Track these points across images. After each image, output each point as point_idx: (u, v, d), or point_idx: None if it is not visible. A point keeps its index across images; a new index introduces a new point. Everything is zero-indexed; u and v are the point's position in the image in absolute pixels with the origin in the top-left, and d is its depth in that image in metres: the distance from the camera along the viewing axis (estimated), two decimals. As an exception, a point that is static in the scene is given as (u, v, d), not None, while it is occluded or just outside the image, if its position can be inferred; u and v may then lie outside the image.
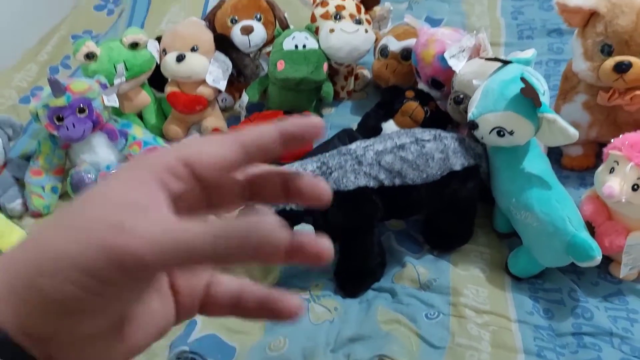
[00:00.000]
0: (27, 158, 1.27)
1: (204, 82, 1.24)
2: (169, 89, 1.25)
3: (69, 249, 0.24)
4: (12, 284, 0.24)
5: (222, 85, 1.25)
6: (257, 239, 0.24)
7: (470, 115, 0.89)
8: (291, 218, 0.88)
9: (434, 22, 1.48)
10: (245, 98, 1.26)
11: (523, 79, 0.82)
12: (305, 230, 0.88)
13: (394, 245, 1.00)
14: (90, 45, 1.16)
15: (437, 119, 1.08)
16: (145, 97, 1.26)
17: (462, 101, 1.00)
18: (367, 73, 1.36)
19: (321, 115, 1.31)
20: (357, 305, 0.93)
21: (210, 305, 0.31)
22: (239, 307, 0.30)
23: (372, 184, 0.88)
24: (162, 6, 1.63)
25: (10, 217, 1.13)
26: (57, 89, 1.08)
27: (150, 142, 1.19)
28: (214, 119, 1.29)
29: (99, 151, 1.17)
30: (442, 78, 1.09)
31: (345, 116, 1.30)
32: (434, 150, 0.89)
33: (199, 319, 0.90)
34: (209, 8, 1.57)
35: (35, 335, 0.25)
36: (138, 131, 1.20)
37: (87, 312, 0.25)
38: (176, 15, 1.58)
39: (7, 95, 1.48)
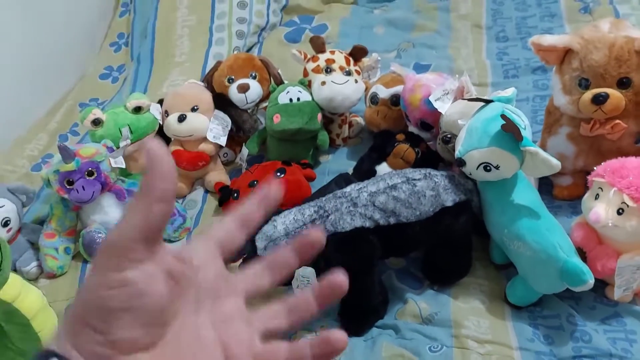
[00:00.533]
0: (40, 222, 1.32)
1: (205, 139, 1.31)
2: (172, 147, 1.32)
3: None
4: None
5: (223, 140, 1.31)
6: None
7: (457, 153, 0.93)
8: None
9: (422, 68, 1.55)
10: (245, 151, 1.32)
11: (503, 116, 0.87)
12: (307, 272, 0.91)
13: (395, 282, 1.04)
14: (96, 112, 1.23)
15: (428, 159, 1.13)
16: (150, 157, 1.32)
17: (449, 140, 1.05)
18: (360, 120, 1.42)
19: (319, 163, 1.36)
20: (363, 343, 0.96)
21: None
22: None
23: (368, 224, 0.92)
24: (163, 71, 1.71)
25: (27, 279, 1.17)
26: (67, 155, 1.14)
27: (156, 199, 1.24)
28: (216, 173, 1.34)
29: (109, 211, 1.22)
30: (430, 120, 1.14)
31: (341, 162, 1.35)
32: (425, 188, 0.94)
33: None
34: (208, 69, 1.66)
35: None
36: (145, 190, 1.25)
37: None
38: (176, 78, 1.66)
39: (19, 164, 1.55)
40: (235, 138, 1.38)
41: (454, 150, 1.04)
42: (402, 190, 0.93)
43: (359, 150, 1.37)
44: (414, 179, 0.95)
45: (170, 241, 1.23)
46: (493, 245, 1.02)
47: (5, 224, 1.17)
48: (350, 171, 1.26)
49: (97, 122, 1.23)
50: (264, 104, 1.38)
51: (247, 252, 0.96)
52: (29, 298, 0.90)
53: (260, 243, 0.93)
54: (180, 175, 1.34)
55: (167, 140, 1.35)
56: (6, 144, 1.63)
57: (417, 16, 1.78)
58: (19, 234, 1.23)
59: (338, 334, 0.34)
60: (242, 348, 0.34)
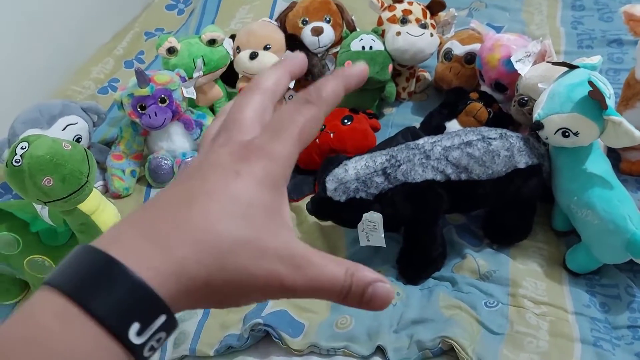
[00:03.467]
0: (106, 144, 1.37)
1: (274, 78, 1.31)
2: (240, 84, 1.33)
3: (256, 280, 0.28)
4: (188, 287, 0.27)
5: (291, 83, 1.32)
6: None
7: (536, 116, 0.93)
8: (360, 206, 0.94)
9: (494, 30, 1.52)
10: (312, 95, 1.32)
11: (591, 83, 0.86)
12: (374, 217, 0.94)
13: (454, 238, 1.05)
14: (172, 41, 1.24)
15: (500, 120, 1.13)
16: (218, 92, 1.34)
17: (526, 103, 1.04)
18: (428, 75, 1.41)
19: (383, 114, 1.36)
20: (419, 292, 0.98)
21: None
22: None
23: (439, 177, 0.93)
24: (232, 7, 1.71)
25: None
26: (142, 79, 1.17)
27: (222, 133, 1.27)
28: (280, 114, 1.36)
29: (176, 139, 1.26)
30: (506, 81, 1.13)
31: (405, 116, 1.35)
32: (500, 148, 0.94)
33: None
34: (277, 9, 1.66)
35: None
36: (212, 122, 1.28)
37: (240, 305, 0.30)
38: (245, 16, 1.66)
39: (86, 85, 1.58)
40: (302, 82, 1.38)
41: (529, 114, 1.04)
42: (477, 147, 0.94)
43: (424, 106, 1.38)
44: (490, 138, 0.95)
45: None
46: (557, 211, 1.02)
47: (77, 141, 1.21)
48: (417, 126, 1.27)
49: (171, 51, 1.25)
50: (334, 50, 1.37)
51: (317, 192, 0.99)
52: (105, 213, 0.94)
53: (330, 184, 0.95)
54: (245, 113, 1.36)
55: (234, 76, 1.37)
56: (73, 66, 1.67)
57: (490, -25, 1.74)
58: (88, 152, 1.27)
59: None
60: None
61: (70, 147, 0.83)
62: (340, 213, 0.96)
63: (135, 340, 0.26)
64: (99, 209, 0.94)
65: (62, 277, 0.26)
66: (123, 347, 0.25)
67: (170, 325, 0.27)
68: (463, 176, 0.94)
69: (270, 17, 1.64)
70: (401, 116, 1.35)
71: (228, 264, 0.28)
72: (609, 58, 1.38)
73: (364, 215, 0.94)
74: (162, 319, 0.26)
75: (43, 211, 0.94)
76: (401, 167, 0.94)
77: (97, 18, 1.76)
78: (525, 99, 1.04)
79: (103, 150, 1.30)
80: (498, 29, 1.53)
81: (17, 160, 0.80)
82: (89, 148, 1.26)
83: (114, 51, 1.70)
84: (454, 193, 0.95)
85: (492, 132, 0.96)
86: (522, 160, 0.94)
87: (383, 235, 0.95)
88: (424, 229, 0.98)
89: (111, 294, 0.25)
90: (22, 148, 0.81)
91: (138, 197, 1.26)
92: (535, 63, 1.07)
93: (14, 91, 1.49)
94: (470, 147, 0.94)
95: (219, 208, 0.28)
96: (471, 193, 0.95)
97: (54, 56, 1.61)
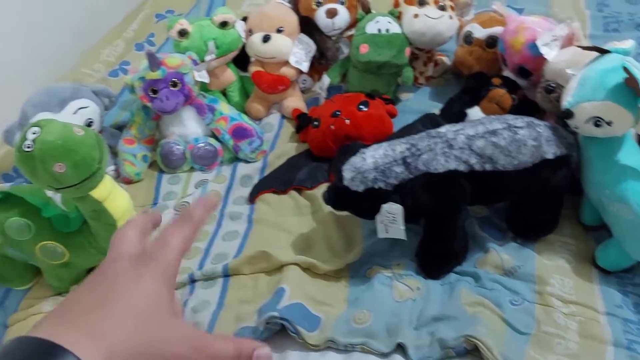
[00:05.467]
0: (117, 128, 1.33)
1: (287, 62, 1.27)
2: (253, 68, 1.29)
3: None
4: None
5: (305, 66, 1.28)
6: None
7: (565, 104, 0.88)
8: (379, 196, 0.90)
9: (514, 12, 1.46)
10: (326, 80, 1.28)
11: (625, 69, 0.82)
12: (394, 208, 0.90)
13: (477, 231, 1.01)
14: (183, 23, 1.20)
15: (524, 107, 1.08)
16: (230, 75, 1.30)
17: (553, 90, 0.99)
18: (446, 59, 1.36)
19: (399, 100, 1.32)
20: (440, 287, 0.94)
21: None
22: None
23: (462, 167, 0.89)
24: (244, -12, 1.67)
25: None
26: (154, 62, 1.13)
27: (235, 118, 1.23)
28: (294, 99, 1.32)
29: (188, 124, 1.22)
30: (531, 66, 1.09)
31: (423, 102, 1.31)
32: (527, 137, 0.89)
33: (288, 287, 0.93)
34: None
35: None
36: (224, 107, 1.24)
37: None
38: (257, -4, 1.61)
39: (96, 68, 1.55)
40: (316, 65, 1.34)
41: (557, 101, 0.99)
42: (503, 136, 0.89)
43: (442, 91, 1.33)
44: (516, 127, 0.91)
45: (246, 162, 1.23)
46: (585, 204, 0.98)
47: (88, 125, 1.18)
48: (435, 112, 1.23)
49: (183, 33, 1.21)
50: (348, 32, 1.33)
51: (334, 181, 0.95)
52: (117, 199, 0.91)
53: (347, 174, 0.91)
54: (258, 98, 1.32)
55: (246, 60, 1.33)
56: (84, 47, 1.63)
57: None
58: (99, 137, 1.23)
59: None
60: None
61: (82, 133, 0.80)
62: (357, 203, 0.92)
63: None
64: (111, 195, 0.91)
65: None
66: None
67: None
68: (487, 166, 0.89)
69: (284, -1, 1.60)
70: (419, 102, 1.31)
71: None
72: (638, 42, 1.31)
73: (383, 206, 0.90)
74: None
75: (56, 196, 0.92)
76: (422, 157, 0.90)
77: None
78: (553, 85, 1.00)
79: (115, 134, 1.27)
80: (518, 11, 1.48)
81: (29, 145, 0.77)
82: (100, 132, 1.23)
83: (124, 33, 1.66)
84: (478, 184, 0.91)
85: (519, 121, 0.92)
86: (550, 151, 0.90)
87: (403, 228, 0.91)
88: (445, 221, 0.95)
89: None
90: (33, 133, 0.78)
91: (149, 182, 1.23)
92: (562, 47, 1.02)
93: (24, 72, 1.46)
94: (495, 136, 0.90)
95: (130, 310, 0.35)
96: (496, 184, 0.91)
97: (64, 37, 1.58)
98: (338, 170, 0.93)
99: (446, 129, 0.93)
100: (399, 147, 0.92)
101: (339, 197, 0.94)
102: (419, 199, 0.90)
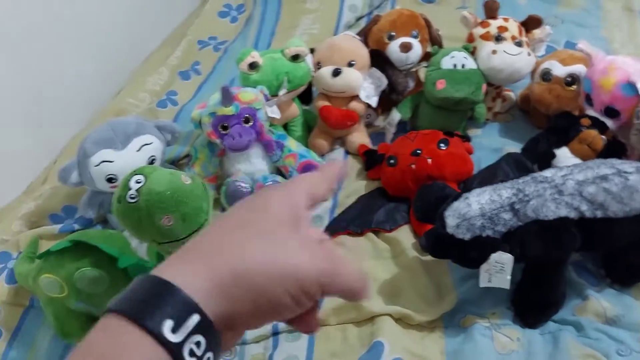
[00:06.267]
0: (171, 162, 1.28)
1: (355, 97, 1.23)
2: (320, 102, 1.25)
3: (298, 269, 0.33)
4: (226, 285, 0.32)
5: (374, 101, 1.24)
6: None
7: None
8: (487, 245, 0.86)
9: (574, 47, 1.44)
10: (396, 115, 1.25)
11: None
12: (504, 258, 0.85)
13: (572, 276, 0.97)
14: (255, 55, 1.16)
15: (615, 149, 1.05)
16: (295, 109, 1.26)
17: (654, 133, 0.96)
18: (513, 95, 1.33)
19: (468, 136, 1.28)
20: (540, 337, 0.90)
21: None
22: None
23: (572, 214, 0.85)
24: (292, 16, 1.63)
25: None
26: (228, 98, 1.08)
27: (304, 154, 1.19)
28: (359, 134, 1.28)
29: (255, 161, 1.17)
30: (620, 106, 1.06)
31: (492, 138, 1.27)
32: (638, 183, 0.86)
33: (386, 341, 0.88)
34: (343, 19, 1.59)
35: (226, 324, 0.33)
36: (292, 144, 1.20)
37: (282, 316, 0.35)
38: (310, 26, 1.58)
39: (142, 98, 1.49)
40: (385, 99, 1.30)
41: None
42: (614, 182, 0.86)
43: (510, 127, 1.30)
44: (626, 172, 0.87)
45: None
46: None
47: (151, 163, 1.13)
48: (508, 150, 1.19)
49: (254, 66, 1.16)
50: (417, 66, 1.30)
51: (435, 228, 0.91)
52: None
53: (451, 220, 0.87)
54: (323, 133, 1.27)
55: (308, 92, 1.29)
56: (124, 73, 1.58)
57: (562, -10, 1.67)
58: (159, 173, 1.18)
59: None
60: None
61: (189, 182, 0.75)
62: (463, 252, 0.88)
63: (171, 337, 0.29)
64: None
65: (117, 301, 0.31)
66: (161, 345, 0.29)
67: (206, 329, 0.31)
68: (598, 213, 0.86)
69: (337, 29, 1.56)
70: (488, 138, 1.27)
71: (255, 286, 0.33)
72: None
73: (492, 255, 0.85)
74: (195, 318, 0.30)
75: (140, 246, 0.85)
76: (531, 203, 0.86)
77: (142, 21, 1.67)
78: (653, 127, 0.97)
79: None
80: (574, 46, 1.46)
81: (133, 196, 0.71)
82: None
83: (168, 60, 1.61)
84: (587, 231, 0.87)
85: (627, 166, 0.88)
86: (660, 197, 0.86)
87: (509, 278, 0.87)
88: (551, 270, 0.90)
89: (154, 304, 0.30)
90: (137, 182, 0.72)
91: (212, 222, 1.17)
92: (658, 88, 0.99)
93: (63, 101, 1.40)
94: (606, 182, 0.86)
95: (261, 244, 0.34)
96: (606, 232, 0.87)
97: (103, 62, 1.52)
98: (440, 217, 0.89)
99: (552, 173, 0.89)
100: (505, 192, 0.88)
101: (442, 245, 0.89)
102: (529, 247, 0.86)
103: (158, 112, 1.44)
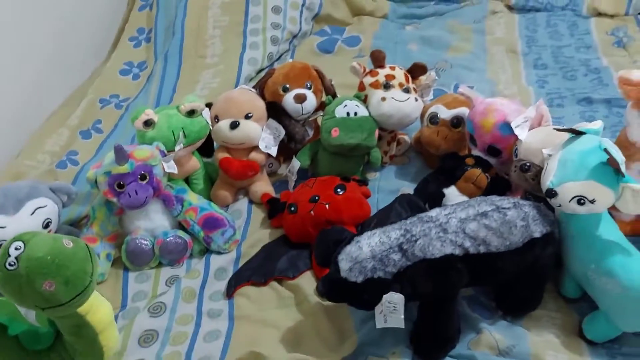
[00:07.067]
0: (71, 224, 1.25)
1: (255, 148, 1.26)
2: (219, 154, 1.26)
3: None
4: None
5: (274, 151, 1.27)
6: None
7: (548, 184, 0.92)
8: (379, 286, 0.88)
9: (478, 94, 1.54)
10: (296, 164, 1.27)
11: (606, 150, 0.86)
12: (395, 298, 0.88)
13: (466, 311, 1.01)
14: (149, 113, 1.16)
15: (498, 185, 1.11)
16: (195, 163, 1.26)
17: (529, 169, 1.03)
18: (407, 138, 1.40)
19: (367, 180, 1.32)
20: (438, 373, 0.93)
21: None
22: None
23: (457, 251, 0.89)
24: (193, 72, 1.66)
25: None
26: (122, 156, 1.08)
27: (205, 207, 1.19)
28: (262, 183, 1.30)
29: (154, 217, 1.16)
30: (501, 145, 1.13)
31: (390, 180, 1.32)
32: (516, 217, 0.92)
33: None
34: (243, 74, 1.62)
35: None
36: (193, 197, 1.20)
37: None
38: (211, 80, 1.60)
39: (41, 159, 1.46)
40: (281, 148, 1.33)
41: (532, 179, 1.03)
42: (494, 218, 0.91)
43: (406, 169, 1.35)
44: (504, 208, 0.93)
45: (219, 253, 1.17)
46: (567, 278, 1.01)
47: (47, 226, 1.09)
48: (405, 191, 1.24)
49: (149, 123, 1.16)
50: (314, 116, 1.34)
51: (329, 273, 0.92)
52: (100, 311, 0.84)
53: (344, 264, 0.89)
54: (225, 184, 1.28)
55: (209, 145, 1.30)
56: (22, 137, 1.53)
57: (451, 36, 1.78)
58: (55, 236, 1.14)
59: None
60: None
61: (72, 245, 0.73)
62: (356, 295, 0.90)
63: None
64: (94, 307, 0.83)
65: None
66: None
67: None
68: (482, 249, 0.90)
69: (237, 82, 1.60)
70: (386, 181, 1.32)
71: None
72: (581, 116, 1.41)
73: (384, 296, 0.88)
74: None
75: (29, 313, 0.82)
76: (418, 242, 0.90)
77: (43, 83, 1.64)
78: (528, 164, 1.03)
79: (72, 232, 1.18)
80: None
81: (12, 263, 0.69)
82: (56, 232, 1.14)
83: (68, 120, 1.58)
84: (473, 267, 0.91)
85: (505, 202, 0.94)
86: (538, 229, 0.92)
87: (402, 317, 0.89)
88: (442, 306, 0.94)
89: None
90: (16, 249, 0.70)
91: (115, 282, 1.15)
92: (531, 128, 1.07)
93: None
94: (486, 219, 0.91)
95: None
96: (490, 266, 0.92)
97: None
98: (333, 261, 0.91)
99: (437, 213, 0.94)
100: (393, 233, 0.91)
101: (336, 289, 0.91)
102: (418, 286, 0.89)
103: (57, 173, 1.40)
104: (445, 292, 0.91)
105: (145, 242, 1.14)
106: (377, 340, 0.98)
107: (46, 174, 1.39)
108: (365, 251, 0.89)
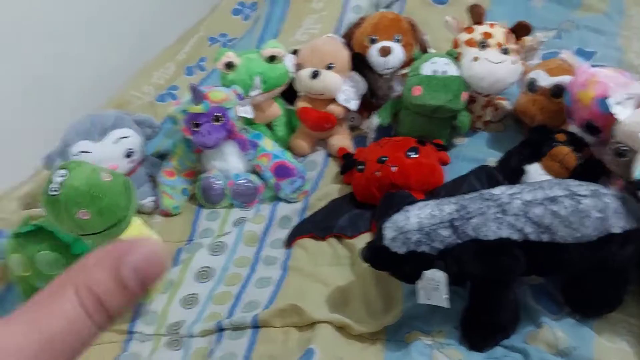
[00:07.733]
0: (160, 156, 1.31)
1: (334, 100, 1.22)
2: (300, 104, 1.24)
3: None
4: None
5: (354, 105, 1.22)
6: None
7: (637, 174, 0.79)
8: (421, 261, 0.83)
9: (584, 55, 1.36)
10: (375, 120, 1.22)
11: None
12: (437, 275, 0.82)
13: (529, 301, 0.92)
14: (230, 56, 1.17)
15: (590, 169, 0.98)
16: (276, 110, 1.26)
17: (624, 154, 0.90)
18: (507, 104, 1.27)
19: (453, 145, 1.24)
20: (483, 361, 0.87)
21: None
22: None
23: (516, 236, 0.81)
24: (299, 16, 1.63)
25: (141, 212, 1.16)
26: (197, 96, 1.10)
27: (278, 155, 1.19)
28: (341, 137, 1.26)
29: (230, 159, 1.18)
30: (600, 123, 0.99)
31: (479, 148, 1.22)
32: (592, 208, 0.80)
33: (318, 348, 0.88)
34: (345, 22, 1.56)
35: None
36: (268, 143, 1.20)
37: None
38: (312, 26, 1.57)
39: (145, 91, 1.54)
40: (366, 102, 1.28)
41: (627, 166, 0.90)
42: (564, 205, 0.81)
43: (500, 138, 1.24)
44: (580, 195, 0.82)
45: (287, 201, 1.18)
46: (653, 282, 0.88)
47: (129, 155, 1.16)
48: (492, 163, 1.14)
49: (230, 66, 1.17)
50: (403, 71, 1.26)
51: (373, 239, 0.89)
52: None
53: (388, 232, 0.85)
54: (304, 134, 1.27)
55: (294, 92, 1.28)
56: (134, 68, 1.63)
57: (585, -8, 1.57)
58: (140, 166, 1.21)
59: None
60: None
61: (109, 178, 0.77)
62: (397, 266, 0.85)
63: None
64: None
65: None
66: None
67: None
68: (544, 237, 0.81)
69: (339, 29, 1.55)
70: (474, 148, 1.22)
71: None
72: None
73: (425, 272, 0.82)
74: None
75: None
76: (472, 221, 0.82)
77: (163, 18, 1.72)
78: (624, 148, 0.90)
79: (156, 163, 1.25)
80: (589, 55, 1.38)
81: (54, 189, 0.74)
82: (142, 162, 1.21)
83: (177, 56, 1.65)
84: (534, 255, 0.82)
85: (583, 188, 0.83)
86: (619, 224, 0.80)
87: (446, 296, 0.84)
88: (493, 291, 0.86)
89: None
90: (60, 176, 0.75)
91: (188, 216, 1.20)
92: (638, 107, 0.92)
93: (79, 92, 1.45)
94: (555, 204, 0.81)
95: None
96: (553, 257, 0.82)
97: (119, 57, 1.57)
98: (379, 227, 0.87)
99: (501, 191, 0.85)
100: (447, 207, 0.85)
101: (377, 257, 0.87)
102: (466, 267, 0.82)
103: (157, 105, 1.47)
104: (495, 276, 0.84)
105: (218, 182, 1.17)
106: (425, 316, 0.93)
107: (147, 106, 1.47)
108: (412, 222, 0.84)
